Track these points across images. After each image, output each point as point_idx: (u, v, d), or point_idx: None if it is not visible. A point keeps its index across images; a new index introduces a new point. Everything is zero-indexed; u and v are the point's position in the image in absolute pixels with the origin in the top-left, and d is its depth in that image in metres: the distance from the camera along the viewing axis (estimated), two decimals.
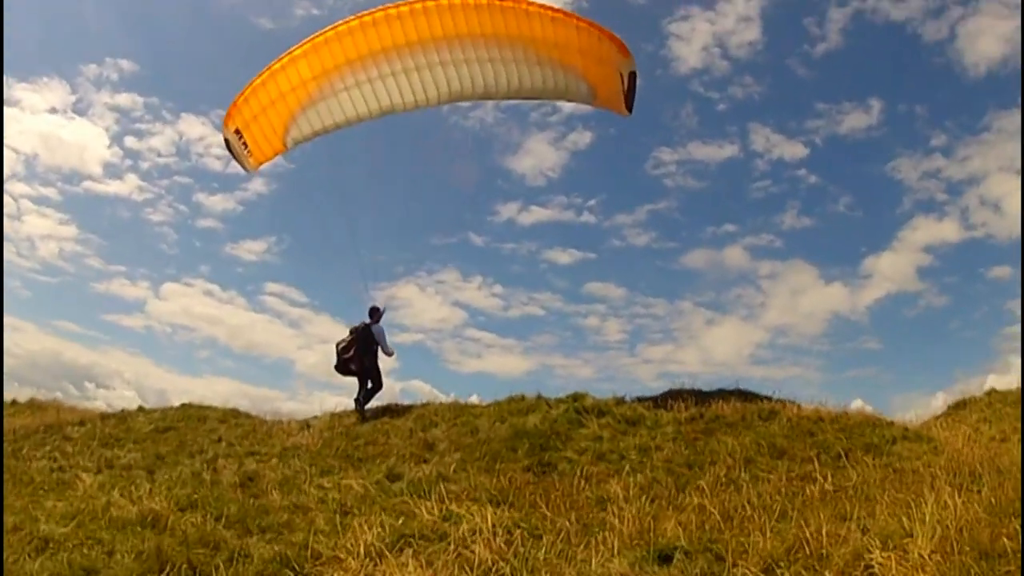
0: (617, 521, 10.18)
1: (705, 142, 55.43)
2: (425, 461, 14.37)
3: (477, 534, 9.66)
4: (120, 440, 18.26)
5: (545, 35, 17.06)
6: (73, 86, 58.99)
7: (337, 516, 11.06)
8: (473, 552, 9.12)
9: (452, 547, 9.37)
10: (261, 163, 19.39)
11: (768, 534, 9.38)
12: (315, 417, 19.71)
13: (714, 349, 53.50)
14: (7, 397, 28.41)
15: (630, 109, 18.00)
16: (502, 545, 9.30)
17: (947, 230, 48.28)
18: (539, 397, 18.02)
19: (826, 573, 8.29)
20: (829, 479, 12.02)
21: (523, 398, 18.20)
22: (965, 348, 49.14)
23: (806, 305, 52.88)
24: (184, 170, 58.32)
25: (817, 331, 53.41)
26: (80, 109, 56.82)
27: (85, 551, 9.38)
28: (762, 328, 54.58)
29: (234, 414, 20.76)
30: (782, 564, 8.62)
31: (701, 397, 18.22)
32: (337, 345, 19.95)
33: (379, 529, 9.95)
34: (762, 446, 14.34)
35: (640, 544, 9.44)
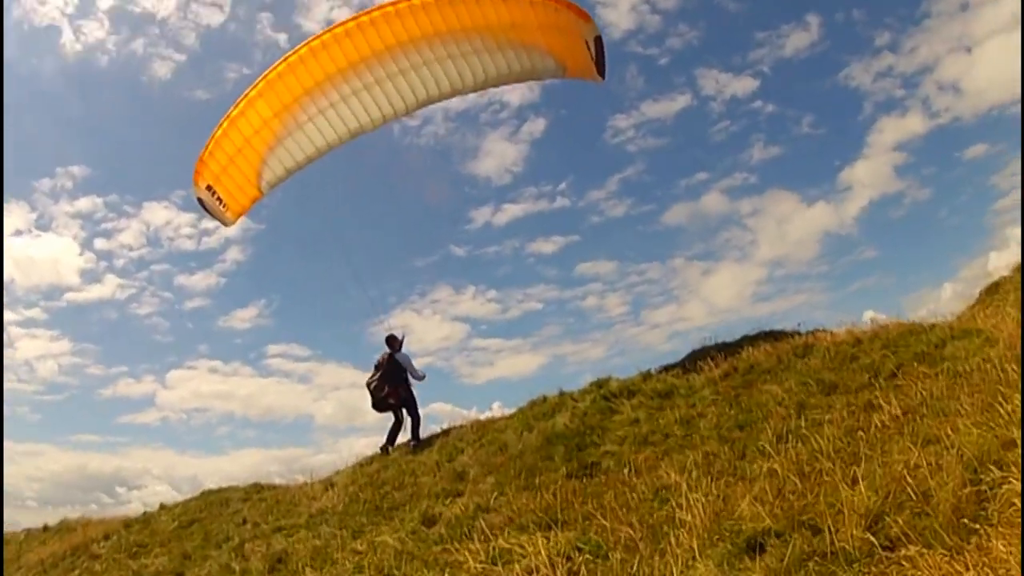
0: (686, 514, 8.85)
1: (656, 99, 55.20)
2: (459, 495, 13.00)
3: (534, 573, 8.41)
4: (146, 546, 17.39)
5: (500, 19, 16.10)
6: (31, 204, 58.52)
7: None
8: None
9: None
10: (239, 215, 18.47)
11: (858, 484, 8.14)
12: (337, 472, 18.51)
13: (716, 298, 53.28)
14: (38, 522, 27.93)
15: (603, 74, 16.89)
16: None
17: (913, 124, 48.13)
18: (562, 393, 16.89)
19: (939, 514, 7.12)
20: (893, 403, 10.76)
21: (545, 399, 17.07)
22: (959, 234, 49.17)
23: (795, 232, 52.51)
24: (159, 258, 58.02)
25: (812, 254, 53.26)
26: (43, 225, 56.53)
27: None
28: (758, 265, 54.40)
29: (256, 489, 19.70)
30: (888, 515, 7.43)
31: (728, 349, 17.05)
32: (369, 384, 18.80)
33: None
34: (810, 385, 13.06)
35: (720, 536, 8.13)
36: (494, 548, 9.51)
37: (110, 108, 60.55)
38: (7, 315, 53.00)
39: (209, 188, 17.58)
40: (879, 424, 10.25)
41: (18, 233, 55.10)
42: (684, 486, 9.87)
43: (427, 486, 14.11)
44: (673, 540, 8.22)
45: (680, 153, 55.69)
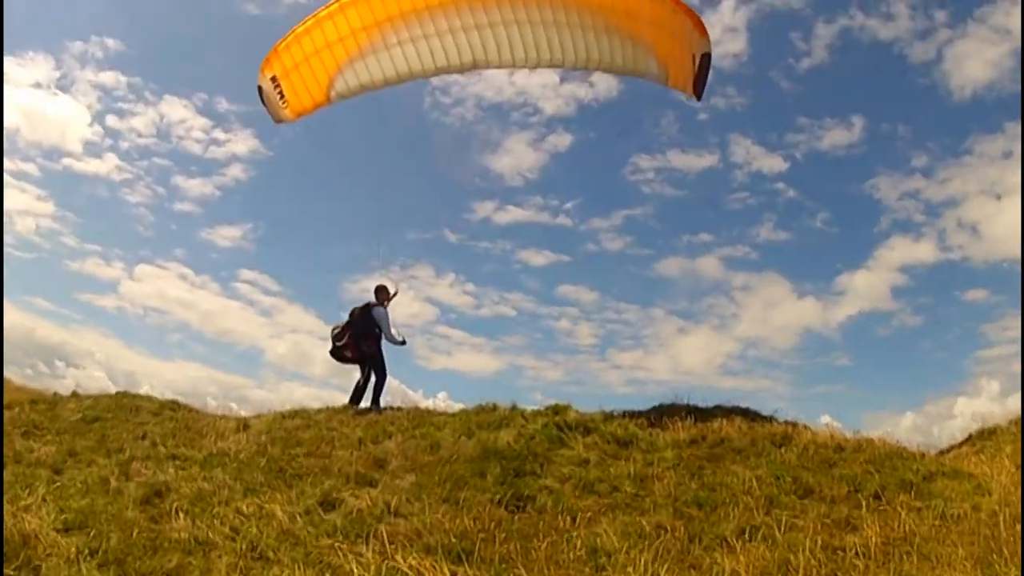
0: None
1: (684, 150, 54.13)
2: (372, 484, 11.56)
3: None
4: (42, 430, 16.38)
5: (614, 2, 15.43)
6: (58, 62, 57.35)
7: (244, 561, 8.48)
8: None
9: None
10: (300, 114, 17.70)
11: None
12: (258, 416, 17.25)
13: (684, 357, 52.36)
14: None
15: (700, 95, 16.11)
16: None
17: (924, 251, 47.27)
18: (514, 408, 15.52)
19: None
20: (875, 528, 9.41)
21: (495, 408, 15.74)
22: (936, 369, 48.85)
23: (778, 318, 51.82)
24: (164, 152, 56.78)
25: (788, 345, 52.42)
26: (64, 85, 55.14)
27: None
28: (733, 339, 53.62)
29: (172, 406, 18.84)
30: None
31: (700, 415, 15.61)
32: (332, 330, 17.85)
33: None
34: (783, 481, 11.58)
35: None
36: (388, 567, 8.14)
37: None
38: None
39: (274, 80, 17.01)
40: (859, 550, 8.87)
41: (37, 86, 53.83)
42: (622, 551, 8.60)
43: (341, 463, 12.71)
44: None
45: (692, 209, 54.89)
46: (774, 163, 51.78)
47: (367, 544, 8.74)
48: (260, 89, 17.20)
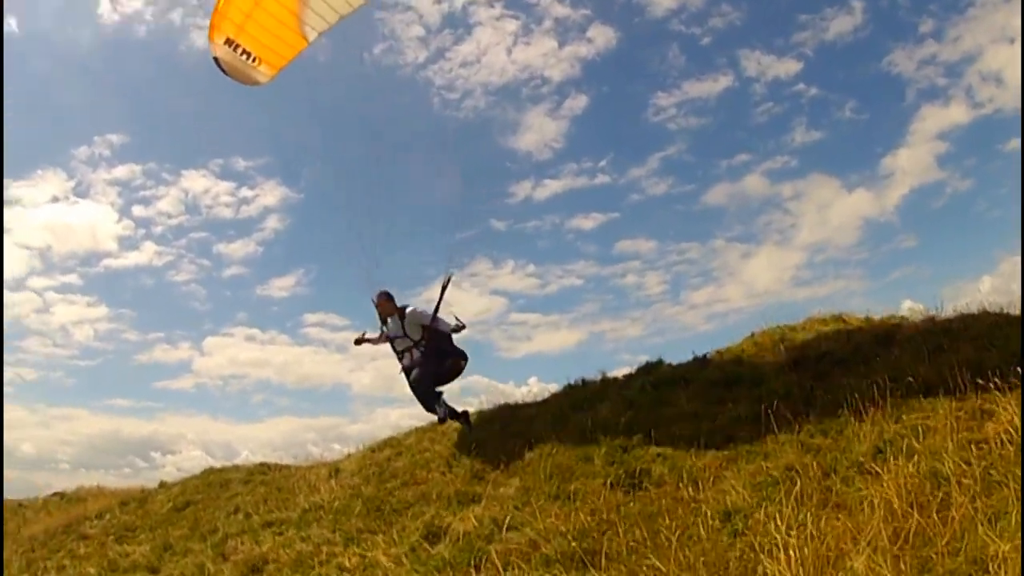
0: (774, 563, 6.34)
1: (698, 79, 52.96)
2: (475, 500, 10.62)
3: None
4: (135, 530, 16.04)
5: None
6: (68, 171, 57.69)
7: None
8: None
9: None
10: (278, 68, 14.34)
11: (1002, 524, 6.00)
12: (347, 456, 16.56)
13: (755, 280, 51.22)
14: (72, 485, 27.70)
15: None
16: None
17: (956, 113, 45.56)
18: (604, 378, 14.74)
19: None
20: (1012, 408, 8.19)
21: (584, 383, 14.93)
22: (998, 227, 46.75)
23: (835, 218, 50.55)
24: (197, 225, 56.91)
25: (852, 240, 51.21)
26: (81, 192, 55.54)
27: None
28: (797, 249, 52.36)
29: (261, 470, 18.31)
30: None
31: (792, 333, 14.78)
32: (407, 372, 13.92)
33: None
34: (900, 381, 10.25)
35: None
36: None
37: (148, 78, 59.57)
38: (43, 281, 52.39)
39: (229, 42, 13.72)
40: (1002, 438, 7.76)
41: (55, 200, 54.27)
42: (763, 513, 7.53)
43: (438, 486, 11.88)
44: None
45: (722, 133, 53.89)
46: (788, 67, 50.74)
47: (480, 572, 8.05)
48: (217, 60, 13.93)
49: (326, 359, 56.84)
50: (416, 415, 16.14)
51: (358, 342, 14.34)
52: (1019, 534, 5.64)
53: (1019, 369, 8.92)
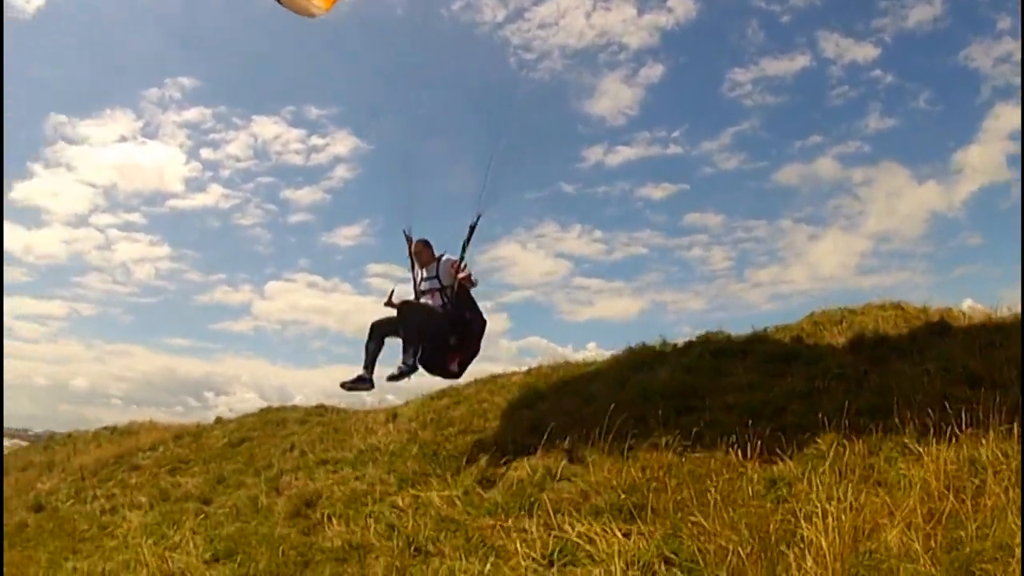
0: (812, 529, 6.60)
1: (776, 57, 53.30)
2: (530, 451, 10.93)
3: None
4: (188, 463, 16.81)
5: None
6: (137, 112, 58.67)
7: (401, 560, 8.10)
8: None
9: None
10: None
11: None
12: (407, 402, 17.14)
13: (820, 264, 51.20)
14: (123, 420, 28.70)
15: None
16: None
17: None
18: (664, 343, 15.09)
19: None
20: None
21: (644, 347, 15.26)
22: None
23: (904, 207, 50.50)
24: (266, 170, 57.78)
25: (918, 233, 51.37)
26: (149, 133, 56.89)
27: None
28: (864, 237, 52.40)
29: (319, 411, 19.00)
30: None
31: (853, 317, 14.95)
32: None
33: None
34: (952, 372, 10.64)
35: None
36: (556, 539, 7.61)
37: (223, 24, 60.17)
38: (106, 218, 53.54)
39: None
40: None
41: (123, 140, 55.70)
42: (806, 483, 7.87)
43: (496, 435, 12.43)
44: (795, 568, 6.15)
45: (797, 113, 54.16)
46: (866, 51, 50.93)
47: (531, 517, 8.33)
48: None
49: (387, 310, 57.56)
50: (471, 372, 16.56)
51: (390, 303, 12.28)
52: None
53: None
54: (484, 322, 12.27)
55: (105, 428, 28.36)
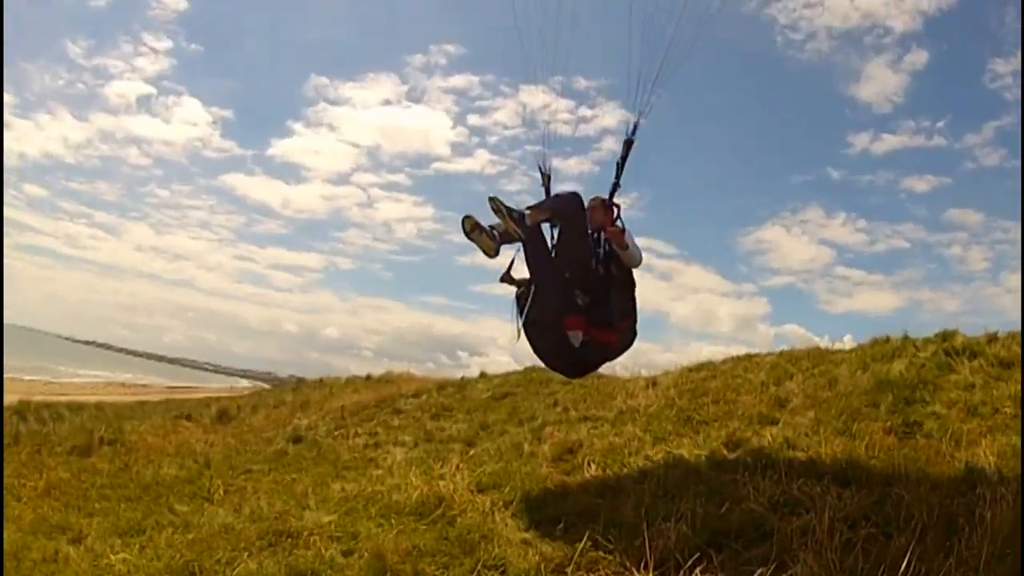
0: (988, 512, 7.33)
1: None
2: (773, 423, 12.44)
3: (807, 534, 7.20)
4: (451, 411, 18.57)
5: None
6: (402, 76, 61.59)
7: (650, 499, 8.99)
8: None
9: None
10: None
11: None
12: (666, 373, 18.71)
13: None
14: (360, 372, 30.97)
15: None
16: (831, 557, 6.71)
17: None
18: (905, 338, 16.01)
19: None
20: None
21: (887, 340, 16.30)
22: None
23: None
24: (534, 139, 59.93)
25: None
26: (415, 97, 59.55)
27: (322, 549, 8.13)
28: None
29: None
30: None
31: None
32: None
33: (685, 527, 7.70)
34: None
35: None
36: (780, 492, 8.61)
37: None
38: (369, 177, 56.78)
39: None
40: None
41: (387, 103, 58.52)
42: (995, 477, 8.59)
43: (745, 407, 13.62)
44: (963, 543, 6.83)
45: None
46: None
47: (764, 476, 9.21)
48: None
49: (650, 284, 58.48)
50: (729, 354, 17.65)
51: (507, 279, 9.92)
52: None
53: None
54: (632, 327, 10.11)
55: (355, 377, 30.55)
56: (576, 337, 9.42)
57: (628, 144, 10.22)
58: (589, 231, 9.73)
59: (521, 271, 9.71)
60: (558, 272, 9.45)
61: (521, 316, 9.38)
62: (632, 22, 9.79)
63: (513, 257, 9.63)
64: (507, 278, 9.78)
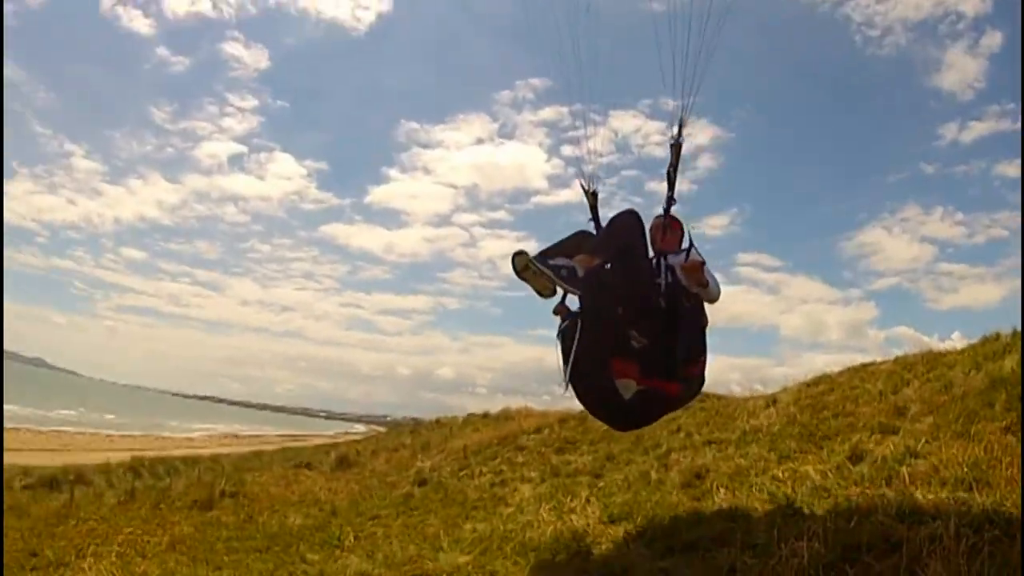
0: None
1: None
2: (895, 431, 12.31)
3: (935, 541, 7.32)
4: (575, 443, 18.84)
5: None
6: (492, 115, 62.39)
7: (780, 519, 9.23)
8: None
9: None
10: None
11: None
12: (784, 389, 18.99)
13: None
14: (487, 408, 31.22)
15: None
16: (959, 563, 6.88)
17: None
18: (1014, 333, 15.76)
19: None
20: None
21: (997, 337, 16.13)
22: None
23: None
24: (629, 164, 60.23)
25: None
26: (506, 133, 60.54)
27: None
28: None
29: (701, 397, 20.09)
30: None
31: None
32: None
33: (817, 544, 7.90)
34: None
35: None
36: (906, 500, 8.78)
37: (565, 24, 63.76)
38: (469, 217, 57.66)
39: None
40: None
41: (479, 141, 59.46)
42: None
43: (865, 417, 13.67)
44: None
45: None
46: None
47: (888, 486, 9.51)
48: None
49: (757, 299, 58.44)
50: (840, 362, 17.61)
51: (563, 310, 8.53)
52: None
53: None
54: (702, 372, 9.08)
55: (475, 414, 30.96)
56: (626, 386, 8.06)
57: (677, 148, 9.09)
58: (650, 256, 8.71)
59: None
60: (610, 304, 8.03)
61: (568, 358, 7.89)
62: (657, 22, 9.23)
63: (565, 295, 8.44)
64: (562, 308, 8.46)
